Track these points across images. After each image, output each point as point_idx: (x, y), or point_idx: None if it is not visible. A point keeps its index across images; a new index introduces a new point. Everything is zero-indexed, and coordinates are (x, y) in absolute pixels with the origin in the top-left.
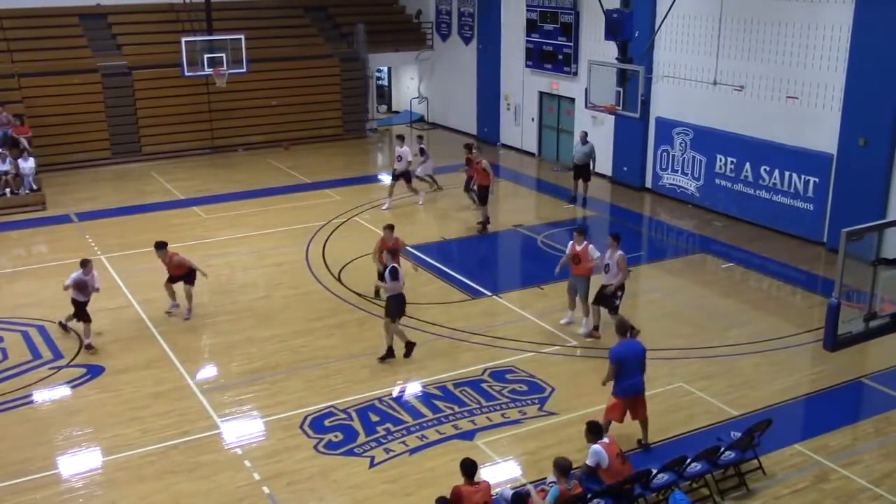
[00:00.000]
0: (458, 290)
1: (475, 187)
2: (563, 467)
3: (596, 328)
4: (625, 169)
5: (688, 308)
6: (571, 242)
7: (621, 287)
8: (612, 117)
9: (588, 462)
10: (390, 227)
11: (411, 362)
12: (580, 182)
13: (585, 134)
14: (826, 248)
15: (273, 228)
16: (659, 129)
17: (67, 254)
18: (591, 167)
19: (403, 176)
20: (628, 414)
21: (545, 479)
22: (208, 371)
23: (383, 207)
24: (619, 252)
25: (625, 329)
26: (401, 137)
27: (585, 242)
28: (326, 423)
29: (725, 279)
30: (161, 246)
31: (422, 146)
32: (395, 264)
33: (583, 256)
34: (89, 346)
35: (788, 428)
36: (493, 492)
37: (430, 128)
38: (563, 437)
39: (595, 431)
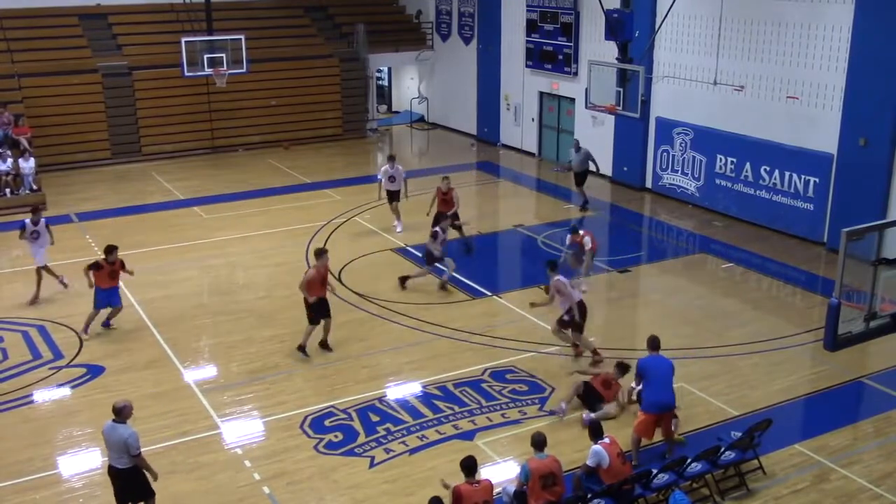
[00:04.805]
0: (458, 290)
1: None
2: (537, 442)
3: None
4: (625, 169)
5: (688, 308)
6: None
7: (569, 310)
8: (613, 117)
9: (588, 462)
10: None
11: (411, 362)
12: (582, 188)
13: (577, 141)
14: (826, 248)
15: (273, 228)
16: (659, 129)
17: (67, 254)
18: (595, 169)
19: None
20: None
21: None
22: (208, 371)
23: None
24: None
25: (655, 344)
26: (391, 158)
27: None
28: (326, 423)
29: (725, 279)
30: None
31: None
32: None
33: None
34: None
35: (788, 428)
36: (494, 491)
37: (430, 127)
38: (563, 438)
39: (596, 432)
